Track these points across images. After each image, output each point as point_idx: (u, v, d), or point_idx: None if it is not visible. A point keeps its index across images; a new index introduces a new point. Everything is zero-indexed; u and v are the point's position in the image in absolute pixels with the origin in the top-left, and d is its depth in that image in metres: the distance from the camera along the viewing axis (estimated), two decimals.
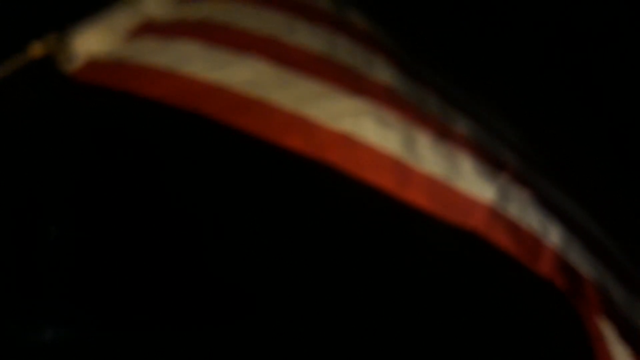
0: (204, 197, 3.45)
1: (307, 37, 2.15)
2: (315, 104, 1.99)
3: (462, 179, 1.93)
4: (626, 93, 3.42)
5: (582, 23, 3.43)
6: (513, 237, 1.89)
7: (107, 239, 3.34)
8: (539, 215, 1.94)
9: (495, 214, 1.90)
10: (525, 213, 1.92)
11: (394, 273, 3.41)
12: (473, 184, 1.93)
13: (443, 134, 2.00)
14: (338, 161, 1.95)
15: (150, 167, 3.31)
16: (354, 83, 2.05)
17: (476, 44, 3.30)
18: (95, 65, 2.22)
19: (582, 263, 1.93)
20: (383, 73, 2.11)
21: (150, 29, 2.26)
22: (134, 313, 3.33)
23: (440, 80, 2.28)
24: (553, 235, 1.92)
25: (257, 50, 2.09)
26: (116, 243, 3.34)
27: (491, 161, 2.00)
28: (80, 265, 3.37)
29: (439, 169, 1.93)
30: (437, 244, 3.17)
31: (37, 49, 2.20)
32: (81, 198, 3.32)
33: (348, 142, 1.95)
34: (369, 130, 1.95)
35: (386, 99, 2.03)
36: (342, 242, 3.41)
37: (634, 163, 3.23)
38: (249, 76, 2.05)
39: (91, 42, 2.23)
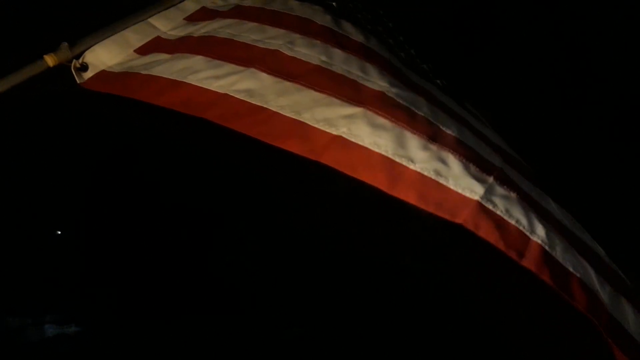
0: (205, 200, 3.48)
1: (305, 50, 2.25)
2: (312, 110, 2.08)
3: (451, 178, 1.99)
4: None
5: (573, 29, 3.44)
6: (501, 231, 1.93)
7: (111, 241, 3.37)
8: (526, 213, 1.99)
9: (483, 210, 1.94)
10: (513, 210, 1.98)
11: (387, 271, 3.45)
12: (462, 182, 1.98)
13: (433, 136, 2.07)
14: (333, 163, 2.02)
15: (153, 172, 3.35)
16: (348, 90, 2.14)
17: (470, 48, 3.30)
18: (106, 76, 2.30)
19: (567, 259, 1.97)
20: (377, 80, 2.20)
21: (159, 45, 2.35)
22: (136, 312, 3.37)
23: (431, 87, 2.37)
24: (539, 230, 1.97)
25: (258, 62, 2.19)
26: (120, 244, 3.37)
27: (480, 163, 2.06)
28: (83, 265, 3.40)
29: (429, 167, 1.99)
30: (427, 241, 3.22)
31: (50, 59, 2.26)
32: (87, 201, 3.35)
33: (343, 144, 2.02)
34: (362, 132, 2.03)
35: (379, 104, 2.11)
36: (336, 241, 3.45)
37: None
38: (251, 85, 2.14)
39: (103, 55, 2.32)
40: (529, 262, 1.91)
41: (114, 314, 3.37)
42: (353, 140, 2.02)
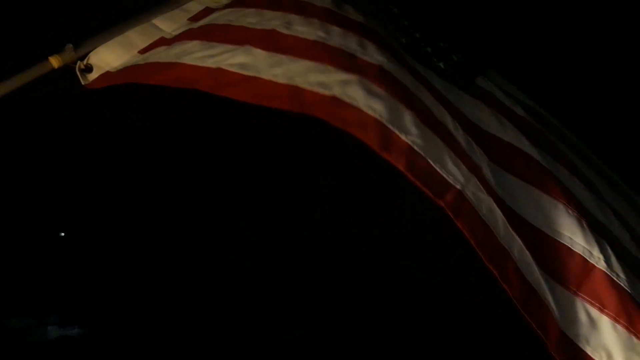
0: (206, 200, 3.50)
1: (302, 28, 2.21)
2: (306, 75, 2.04)
3: (439, 162, 1.96)
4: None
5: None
6: (476, 226, 1.92)
7: (113, 242, 3.38)
8: (496, 215, 1.96)
9: (464, 200, 1.93)
10: (487, 209, 1.96)
11: (387, 271, 3.46)
12: (448, 168, 1.96)
13: (426, 119, 2.04)
14: (324, 116, 1.97)
15: (155, 173, 3.36)
16: (345, 61, 2.09)
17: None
18: (110, 77, 2.31)
19: (527, 271, 1.94)
20: (374, 54, 2.15)
21: (160, 43, 2.36)
22: (138, 313, 3.38)
23: (429, 74, 2.31)
24: (508, 238, 1.94)
25: (254, 41, 2.16)
26: (122, 247, 3.38)
27: (463, 158, 2.03)
28: (87, 266, 3.40)
29: (420, 144, 1.96)
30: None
31: (55, 60, 2.27)
32: (90, 203, 3.36)
33: (336, 102, 1.98)
34: (357, 96, 1.99)
35: (376, 75, 2.06)
36: (336, 241, 3.46)
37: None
38: (244, 60, 2.11)
39: (108, 57, 2.32)
40: (496, 266, 1.90)
41: (116, 315, 3.38)
42: (347, 100, 1.99)
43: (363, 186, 3.36)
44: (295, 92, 2.01)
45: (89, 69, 2.32)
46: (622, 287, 2.00)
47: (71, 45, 2.30)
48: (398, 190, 3.27)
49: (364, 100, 1.98)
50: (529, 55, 3.25)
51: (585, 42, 3.29)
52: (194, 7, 2.48)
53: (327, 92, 2.00)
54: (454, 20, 2.62)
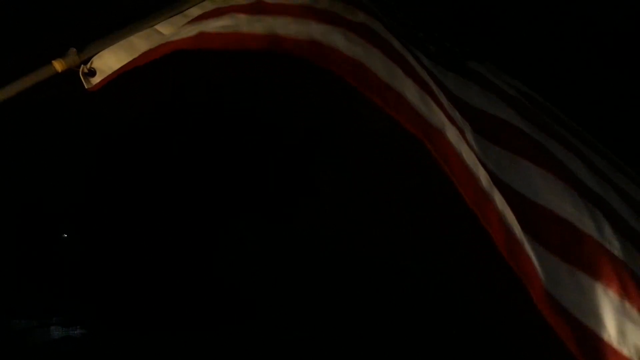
0: (207, 202, 3.51)
1: (290, 1, 2.21)
2: (286, 27, 2.05)
3: (420, 105, 1.93)
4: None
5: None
6: (458, 166, 1.88)
7: (116, 244, 3.39)
8: (479, 169, 1.91)
9: (448, 142, 1.90)
10: (474, 163, 1.91)
11: (387, 271, 3.48)
12: (430, 112, 1.93)
13: (409, 71, 2.02)
14: (303, 54, 1.98)
15: (156, 177, 3.37)
16: (328, 18, 2.10)
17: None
18: (109, 76, 2.32)
19: (512, 229, 1.87)
20: (360, 16, 2.15)
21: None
22: (140, 313, 3.39)
23: (419, 54, 2.28)
24: (498, 204, 1.87)
25: (238, 10, 2.18)
26: (124, 247, 3.39)
27: (448, 117, 1.99)
28: (89, 267, 3.42)
29: (400, 88, 1.94)
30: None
31: (58, 64, 2.28)
32: (92, 203, 3.37)
33: (315, 45, 1.99)
34: (338, 41, 2.00)
35: (360, 30, 2.07)
36: (336, 241, 3.48)
37: None
38: (225, 23, 2.14)
39: (111, 61, 2.32)
40: (478, 209, 1.85)
41: (118, 316, 3.40)
42: (327, 44, 1.99)
43: (363, 186, 3.38)
44: (274, 38, 2.03)
45: (92, 72, 2.33)
46: (614, 254, 1.94)
47: (74, 49, 2.30)
48: (398, 190, 3.32)
49: (345, 44, 1.99)
50: (525, 48, 3.25)
51: (583, 36, 3.29)
52: (195, 13, 2.49)
53: (307, 38, 2.01)
54: (452, 18, 2.64)
